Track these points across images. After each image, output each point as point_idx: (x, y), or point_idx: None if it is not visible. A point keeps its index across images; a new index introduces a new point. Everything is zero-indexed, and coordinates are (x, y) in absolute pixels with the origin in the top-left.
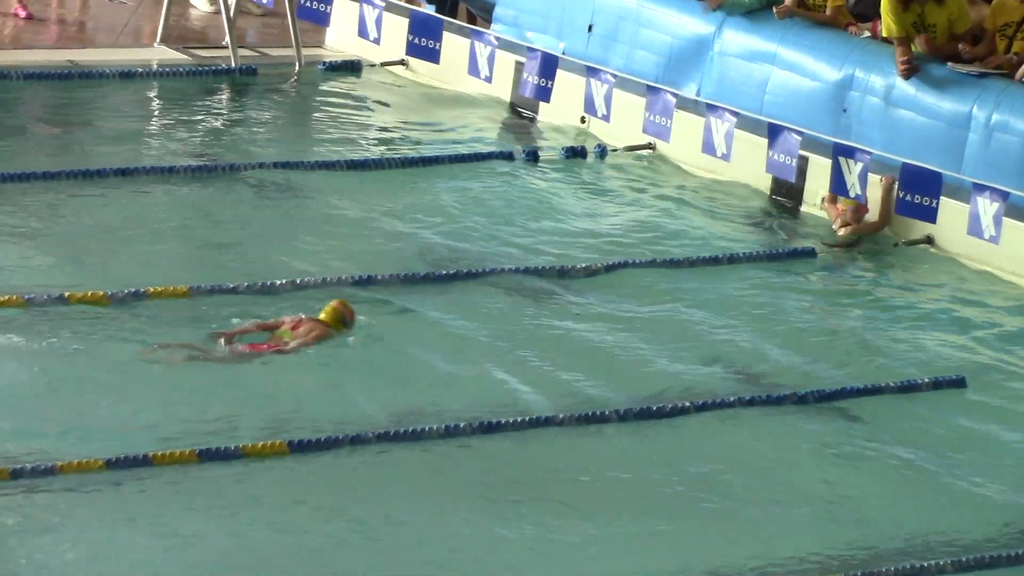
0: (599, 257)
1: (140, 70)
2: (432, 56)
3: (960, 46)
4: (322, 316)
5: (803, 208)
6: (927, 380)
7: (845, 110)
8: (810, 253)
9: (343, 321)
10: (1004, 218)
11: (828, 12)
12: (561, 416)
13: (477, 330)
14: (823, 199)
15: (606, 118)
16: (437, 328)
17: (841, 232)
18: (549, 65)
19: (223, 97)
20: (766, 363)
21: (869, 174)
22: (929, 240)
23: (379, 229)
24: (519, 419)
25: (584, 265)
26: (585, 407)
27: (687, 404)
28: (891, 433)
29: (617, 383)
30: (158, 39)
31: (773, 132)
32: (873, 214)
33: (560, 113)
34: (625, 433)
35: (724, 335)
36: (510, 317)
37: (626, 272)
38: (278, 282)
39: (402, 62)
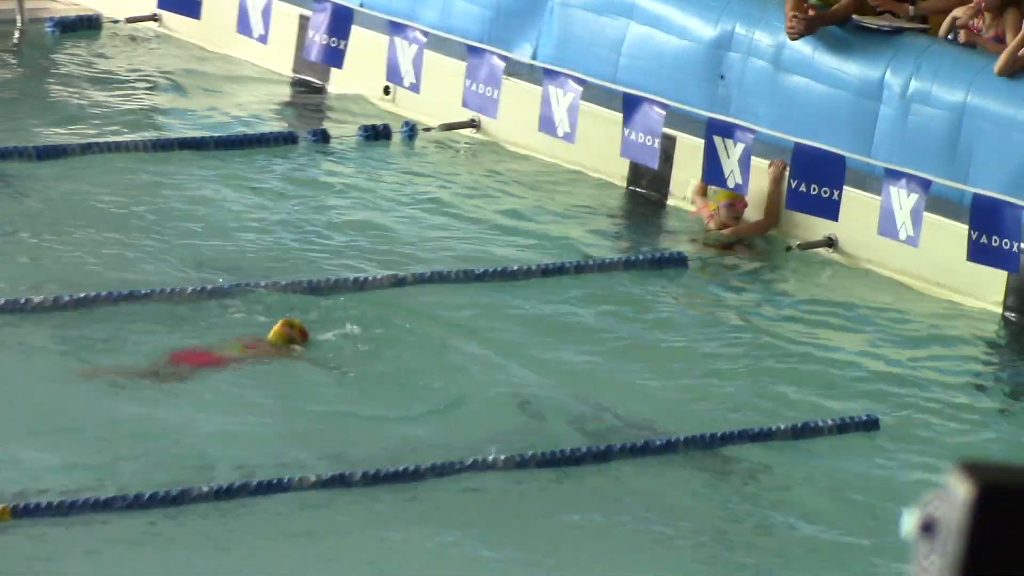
0: (406, 267)
1: None
2: (191, 9)
3: None
4: (269, 337)
5: (669, 202)
6: (831, 422)
7: (722, 76)
8: (679, 260)
9: (291, 341)
10: (925, 214)
11: None
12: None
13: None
14: (693, 191)
15: (415, 88)
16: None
17: (718, 233)
18: (342, 20)
19: None
20: (627, 403)
21: (753, 158)
22: (830, 242)
23: (123, 228)
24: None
25: (385, 276)
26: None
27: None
28: (787, 487)
29: (434, 427)
30: None
31: (630, 105)
32: (758, 210)
33: (357, 82)
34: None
35: (569, 368)
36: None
37: (439, 287)
38: None
39: (153, 17)
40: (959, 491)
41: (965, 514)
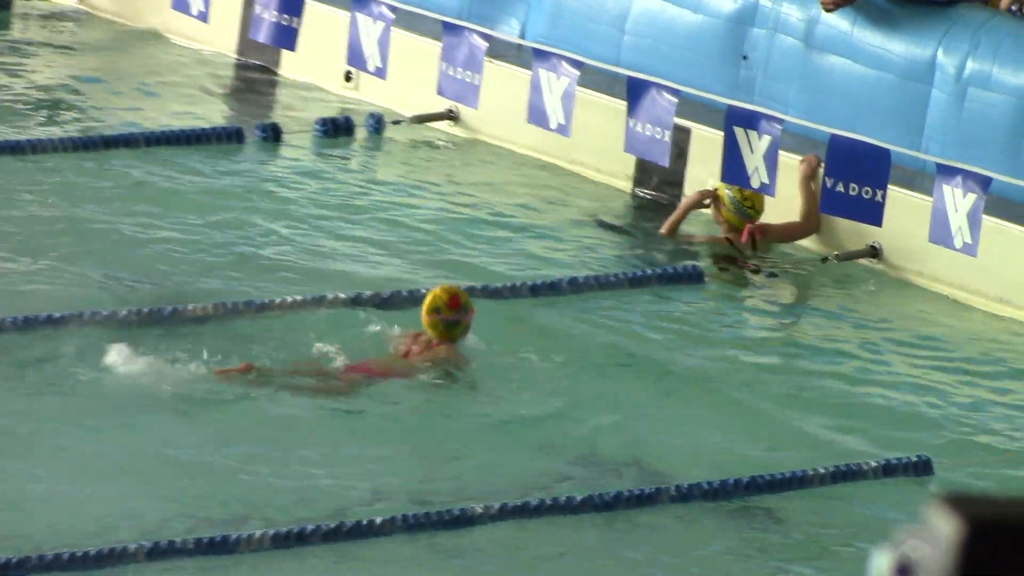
0: (369, 285)
1: None
2: None
3: None
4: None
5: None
6: (874, 464)
7: (745, 57)
8: (695, 276)
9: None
10: (984, 217)
11: None
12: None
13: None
14: (714, 189)
15: (381, 73)
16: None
17: (740, 242)
18: None
19: None
20: (638, 443)
21: (781, 153)
22: (874, 252)
23: (30, 238)
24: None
25: (344, 296)
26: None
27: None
28: (821, 540)
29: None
30: None
31: (635, 92)
32: (788, 213)
33: (313, 67)
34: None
35: (563, 403)
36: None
37: (407, 311)
38: None
39: None
40: (943, 529)
41: (952, 555)
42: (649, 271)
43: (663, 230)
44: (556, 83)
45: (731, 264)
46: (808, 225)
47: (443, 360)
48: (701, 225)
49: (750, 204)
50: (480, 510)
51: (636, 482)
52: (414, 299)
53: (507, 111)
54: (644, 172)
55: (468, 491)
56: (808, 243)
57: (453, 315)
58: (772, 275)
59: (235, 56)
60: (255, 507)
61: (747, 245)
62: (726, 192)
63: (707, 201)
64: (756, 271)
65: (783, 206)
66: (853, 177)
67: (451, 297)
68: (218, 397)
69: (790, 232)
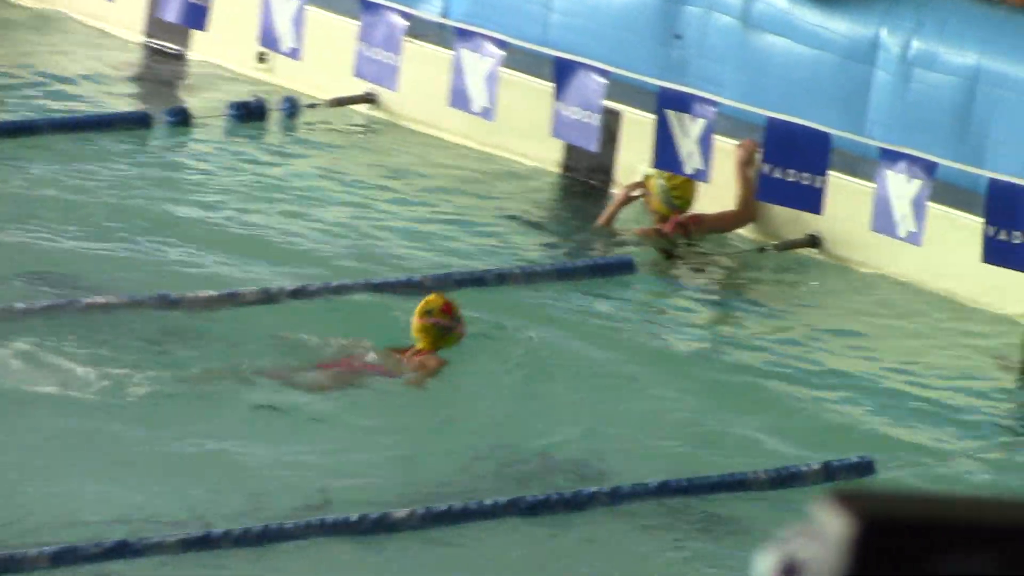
0: (282, 278)
1: None
2: None
3: None
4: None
5: (615, 191)
6: (816, 467)
7: (678, 36)
8: (625, 266)
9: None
10: (930, 204)
11: None
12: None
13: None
14: (645, 179)
15: (295, 54)
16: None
17: (669, 233)
18: None
19: None
20: (565, 443)
21: (716, 138)
22: (814, 242)
23: None
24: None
25: (254, 290)
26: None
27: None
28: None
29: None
30: None
31: (563, 73)
32: (724, 201)
33: (224, 48)
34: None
35: (489, 402)
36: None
37: (324, 301)
38: None
39: None
40: (834, 526)
41: (844, 554)
42: (578, 262)
43: (600, 222)
44: (479, 64)
45: (663, 255)
46: (744, 214)
47: (427, 371)
48: (637, 215)
49: (678, 195)
50: (403, 515)
51: (568, 483)
52: (329, 292)
53: (428, 94)
54: (573, 157)
55: (390, 495)
56: (745, 232)
57: (446, 320)
58: (707, 266)
59: (142, 37)
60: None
61: (679, 235)
62: (656, 182)
63: (637, 192)
64: (690, 262)
65: (719, 193)
66: (792, 163)
67: (445, 303)
68: (124, 398)
69: (725, 221)
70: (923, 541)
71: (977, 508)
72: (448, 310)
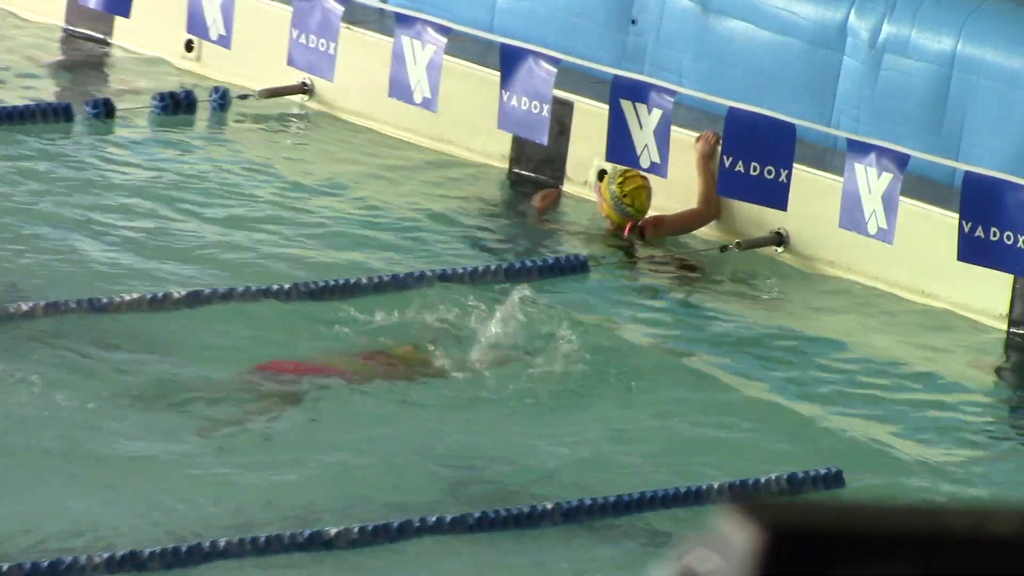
0: (212, 280)
1: None
2: None
3: None
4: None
5: (566, 187)
6: (782, 478)
7: (634, 21)
8: (578, 266)
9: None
10: (902, 200)
11: None
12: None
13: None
14: (599, 174)
15: (225, 42)
16: None
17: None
18: None
19: None
20: (525, 458)
21: (675, 129)
22: (779, 240)
23: None
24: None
25: (183, 293)
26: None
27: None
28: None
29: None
30: None
31: (510, 61)
32: (684, 197)
33: (150, 36)
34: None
35: (432, 415)
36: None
37: (258, 305)
38: None
39: None
40: (739, 538)
41: (748, 565)
42: (528, 262)
43: (703, 209)
44: (421, 52)
45: (622, 254)
46: (707, 212)
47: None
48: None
49: (630, 202)
50: (334, 532)
51: (522, 499)
52: (266, 295)
53: (367, 84)
54: (521, 151)
55: (329, 510)
56: (706, 231)
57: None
58: (665, 267)
59: (63, 25)
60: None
61: (635, 237)
62: (608, 189)
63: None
64: (647, 263)
65: (677, 190)
66: (754, 155)
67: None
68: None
69: (687, 221)
70: (830, 551)
71: (885, 516)
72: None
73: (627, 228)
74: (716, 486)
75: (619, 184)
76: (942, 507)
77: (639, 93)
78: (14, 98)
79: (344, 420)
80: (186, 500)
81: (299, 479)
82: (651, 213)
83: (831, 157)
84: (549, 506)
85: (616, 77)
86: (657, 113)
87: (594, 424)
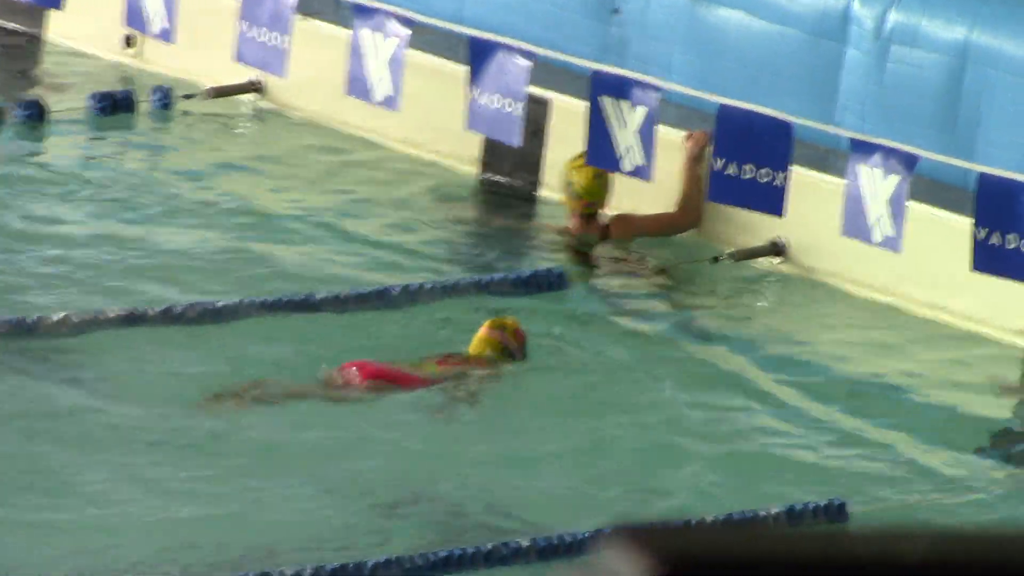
0: (154, 298)
1: None
2: None
3: None
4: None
5: (542, 192)
6: (779, 510)
7: (616, 11)
8: (555, 280)
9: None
10: (910, 204)
11: None
12: None
13: None
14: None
15: (167, 36)
16: None
17: (579, 231)
18: None
19: None
20: (493, 490)
21: (661, 129)
22: (776, 249)
23: None
24: None
25: (119, 312)
26: None
27: None
28: None
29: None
30: None
31: (480, 55)
32: (669, 205)
33: (85, 30)
34: None
35: (396, 441)
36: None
37: (208, 327)
38: None
39: None
40: (627, 568)
41: None
42: (500, 275)
43: (681, 214)
44: (382, 46)
45: (578, 260)
46: (682, 218)
47: (473, 377)
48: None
49: (576, 179)
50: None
51: (485, 535)
52: (215, 313)
53: (323, 81)
54: (493, 154)
55: (286, 548)
56: (695, 238)
57: (514, 343)
58: (652, 279)
59: None
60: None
61: (590, 236)
62: (565, 168)
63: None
64: (631, 274)
65: (665, 195)
66: (748, 157)
67: (518, 329)
68: None
69: (659, 225)
70: None
71: (778, 543)
72: (521, 338)
73: (576, 219)
74: (708, 519)
75: (572, 161)
76: (849, 533)
77: (622, 89)
78: None
79: (302, 448)
80: (121, 538)
81: (258, 513)
82: (618, 211)
83: (833, 158)
84: (524, 543)
85: (596, 72)
86: (642, 111)
87: (569, 453)
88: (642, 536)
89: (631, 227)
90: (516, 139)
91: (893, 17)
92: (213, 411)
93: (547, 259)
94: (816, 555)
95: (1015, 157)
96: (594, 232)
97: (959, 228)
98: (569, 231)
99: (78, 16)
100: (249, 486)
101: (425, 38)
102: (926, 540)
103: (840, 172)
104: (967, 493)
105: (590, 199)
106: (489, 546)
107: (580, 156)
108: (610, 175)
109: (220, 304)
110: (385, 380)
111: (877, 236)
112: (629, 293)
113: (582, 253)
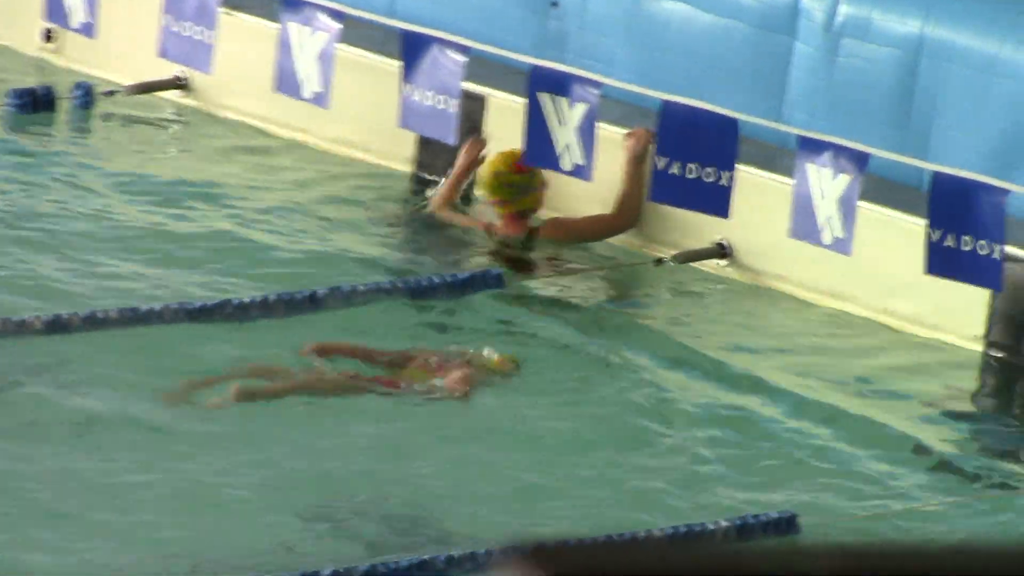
0: (74, 304)
1: None
2: None
3: None
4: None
5: (478, 191)
6: (725, 524)
7: (555, 4)
8: (494, 280)
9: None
10: (861, 204)
11: None
12: None
13: None
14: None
15: (88, 30)
16: None
17: (504, 232)
18: None
19: None
20: (431, 503)
21: (602, 126)
22: (721, 251)
23: None
24: None
25: (40, 318)
26: None
27: None
28: None
29: None
30: None
31: (412, 50)
32: (601, 201)
33: (3, 24)
34: None
35: (326, 451)
36: None
37: (125, 332)
38: None
39: None
40: None
41: None
42: (435, 278)
43: (433, 206)
44: (310, 40)
45: (506, 264)
46: (618, 220)
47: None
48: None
49: (479, 173)
50: None
51: (428, 548)
52: (133, 319)
53: (250, 77)
54: (427, 152)
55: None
56: (637, 242)
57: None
58: (589, 283)
59: None
60: None
61: (515, 239)
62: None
63: (484, 152)
64: (568, 277)
65: (606, 196)
66: (692, 155)
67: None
68: None
69: (594, 228)
70: None
71: (677, 559)
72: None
73: (508, 220)
74: (657, 533)
75: (489, 159)
76: (746, 548)
77: (560, 85)
78: None
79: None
80: (96, 545)
81: (220, 520)
82: (552, 215)
83: (780, 157)
84: (466, 554)
85: (534, 67)
86: (581, 108)
87: (500, 466)
88: (533, 553)
89: (563, 230)
90: (451, 137)
91: (844, 10)
92: (171, 404)
93: (479, 261)
94: (712, 573)
95: (970, 156)
96: (518, 233)
97: (912, 230)
98: (493, 230)
99: None
100: (199, 491)
101: (356, 32)
102: (826, 556)
103: (788, 171)
104: (919, 504)
105: (493, 198)
106: (371, 563)
107: (499, 155)
108: (520, 176)
109: (144, 309)
110: (341, 354)
111: (827, 238)
112: (577, 296)
113: (506, 255)
